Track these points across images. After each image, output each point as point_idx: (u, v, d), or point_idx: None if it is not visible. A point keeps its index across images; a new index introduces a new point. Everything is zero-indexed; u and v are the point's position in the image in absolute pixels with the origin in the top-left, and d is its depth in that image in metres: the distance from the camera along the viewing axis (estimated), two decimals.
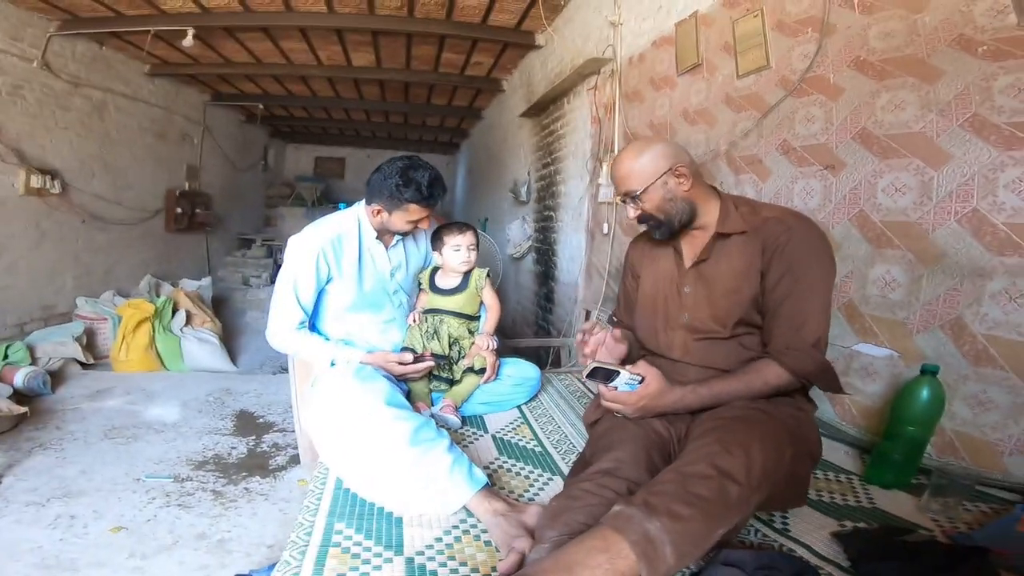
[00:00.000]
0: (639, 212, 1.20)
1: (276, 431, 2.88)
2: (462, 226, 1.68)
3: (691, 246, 1.25)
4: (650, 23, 2.51)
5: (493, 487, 1.15)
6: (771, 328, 1.13)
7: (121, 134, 4.75)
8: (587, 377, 1.09)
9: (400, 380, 1.59)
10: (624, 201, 1.22)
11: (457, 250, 1.65)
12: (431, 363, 1.61)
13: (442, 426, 1.43)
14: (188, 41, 3.75)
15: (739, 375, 1.12)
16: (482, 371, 1.65)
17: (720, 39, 2.03)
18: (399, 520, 1.06)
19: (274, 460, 2.51)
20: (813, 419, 1.18)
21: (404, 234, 1.64)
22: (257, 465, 2.45)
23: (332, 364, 1.53)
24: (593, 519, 0.85)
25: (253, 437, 2.76)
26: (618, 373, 1.08)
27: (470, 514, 1.09)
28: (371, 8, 3.59)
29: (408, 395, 1.60)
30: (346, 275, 1.58)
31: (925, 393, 1.15)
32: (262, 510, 2.07)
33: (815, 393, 1.21)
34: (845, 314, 1.50)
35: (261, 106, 6.36)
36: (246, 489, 2.22)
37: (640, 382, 1.08)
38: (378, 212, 1.54)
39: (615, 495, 0.91)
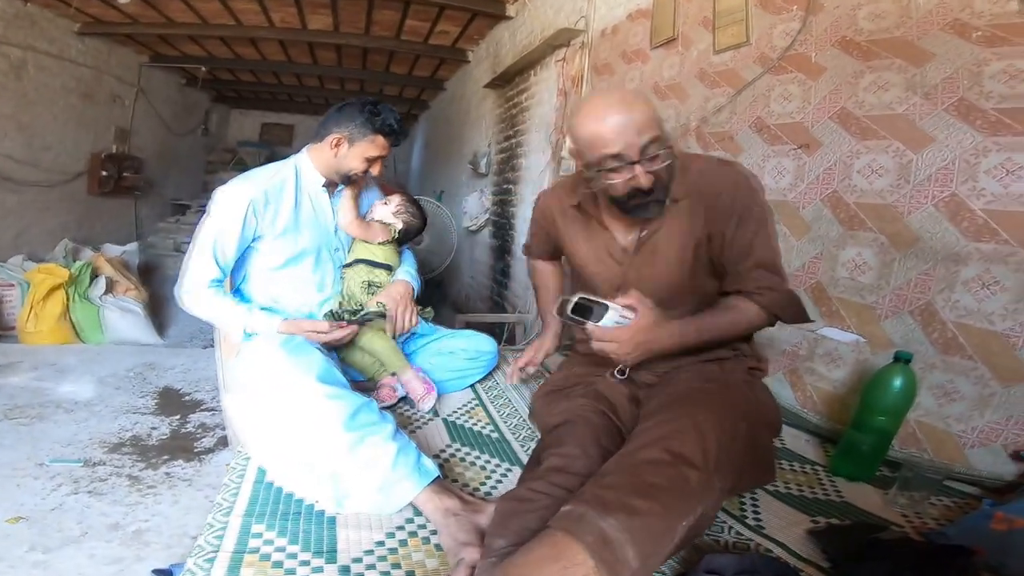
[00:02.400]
0: (656, 173, 0.96)
1: (204, 410, 2.66)
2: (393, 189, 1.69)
3: (625, 221, 1.11)
4: None
5: (445, 480, 1.02)
6: (739, 272, 1.06)
7: (40, 94, 4.34)
8: (569, 316, 0.93)
9: (330, 349, 1.41)
10: (639, 162, 0.95)
11: (386, 204, 1.61)
12: (354, 329, 1.43)
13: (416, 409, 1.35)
14: None
15: (724, 314, 1.06)
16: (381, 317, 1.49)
17: (699, 13, 1.96)
18: (331, 520, 0.91)
19: (200, 442, 2.32)
20: (765, 384, 1.14)
21: (349, 181, 1.47)
22: (181, 448, 2.25)
23: (246, 334, 1.36)
24: (545, 524, 0.75)
25: (178, 417, 2.55)
26: (606, 308, 0.92)
27: (418, 512, 0.95)
28: None
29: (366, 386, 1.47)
30: (280, 229, 1.42)
31: (898, 382, 1.12)
32: (185, 497, 1.89)
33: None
34: (812, 296, 1.48)
35: (204, 69, 5.87)
36: (167, 474, 2.03)
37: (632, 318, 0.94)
38: (337, 143, 1.41)
39: (568, 494, 0.81)
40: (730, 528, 0.99)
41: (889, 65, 1.32)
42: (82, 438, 2.24)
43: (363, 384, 1.51)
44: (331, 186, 1.50)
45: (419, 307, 1.58)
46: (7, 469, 1.95)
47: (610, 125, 0.94)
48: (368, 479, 0.94)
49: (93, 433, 2.30)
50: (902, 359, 1.13)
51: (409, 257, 1.69)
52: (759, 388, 1.09)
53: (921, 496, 1.06)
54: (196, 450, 2.25)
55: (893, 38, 1.32)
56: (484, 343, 1.65)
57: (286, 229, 1.42)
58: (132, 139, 5.68)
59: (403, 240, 1.63)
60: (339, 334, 1.38)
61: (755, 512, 1.04)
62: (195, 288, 1.38)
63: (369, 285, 1.53)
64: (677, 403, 0.91)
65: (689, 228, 1.05)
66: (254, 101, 8.16)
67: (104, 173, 5.16)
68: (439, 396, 1.48)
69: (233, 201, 1.37)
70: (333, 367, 1.14)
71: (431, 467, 0.99)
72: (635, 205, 1.02)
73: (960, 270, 1.18)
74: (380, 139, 1.40)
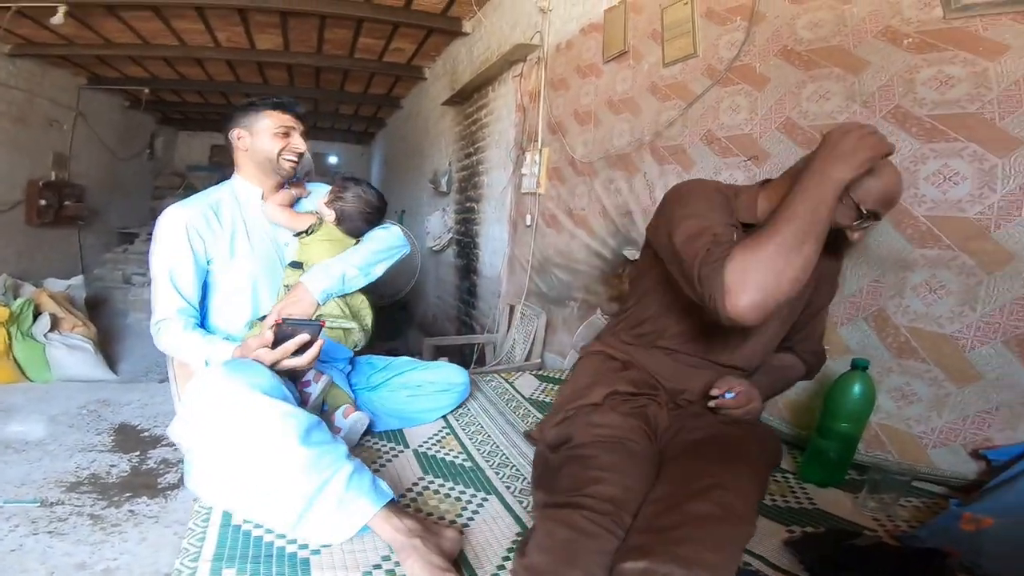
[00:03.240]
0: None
1: (165, 445, 2.56)
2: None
3: None
4: (579, 9, 2.44)
5: (400, 503, 0.97)
6: (802, 334, 1.24)
7: None
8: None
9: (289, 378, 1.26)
10: (867, 221, 1.01)
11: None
12: (305, 336, 1.15)
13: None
14: (58, 19, 3.27)
15: (785, 371, 1.24)
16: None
17: (648, 26, 1.98)
18: (304, 562, 0.86)
19: (164, 478, 2.25)
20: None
21: (283, 172, 1.42)
22: (144, 484, 2.18)
23: (207, 364, 1.27)
24: (606, 568, 0.77)
25: (137, 453, 2.47)
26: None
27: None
28: None
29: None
30: (228, 253, 1.37)
31: (857, 388, 1.13)
32: (153, 534, 1.84)
33: None
34: None
35: (147, 90, 5.67)
36: (131, 512, 1.97)
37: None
38: (239, 136, 1.41)
39: (622, 532, 0.82)
40: None
41: (829, 74, 1.35)
42: (36, 478, 2.17)
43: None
44: (276, 189, 1.46)
45: (334, 326, 1.40)
46: None
47: (895, 189, 1.01)
48: (324, 498, 0.90)
49: (48, 472, 2.22)
50: (859, 366, 1.14)
51: (365, 246, 1.48)
52: (762, 425, 1.18)
53: (891, 498, 1.07)
54: (160, 486, 2.18)
55: (831, 47, 1.35)
56: (454, 375, 1.57)
57: (233, 252, 1.38)
58: (72, 165, 5.43)
59: (354, 233, 1.49)
60: (292, 345, 1.16)
61: None
62: (160, 322, 1.32)
63: (287, 289, 1.41)
64: (711, 450, 0.96)
65: (808, 288, 1.09)
66: (202, 123, 7.93)
67: (43, 202, 4.93)
68: (407, 428, 1.46)
69: (172, 226, 1.33)
70: (280, 383, 1.04)
71: (387, 489, 0.95)
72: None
73: (908, 276, 1.20)
74: (272, 112, 1.39)
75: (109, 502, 2.02)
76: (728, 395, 1.07)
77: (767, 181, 1.13)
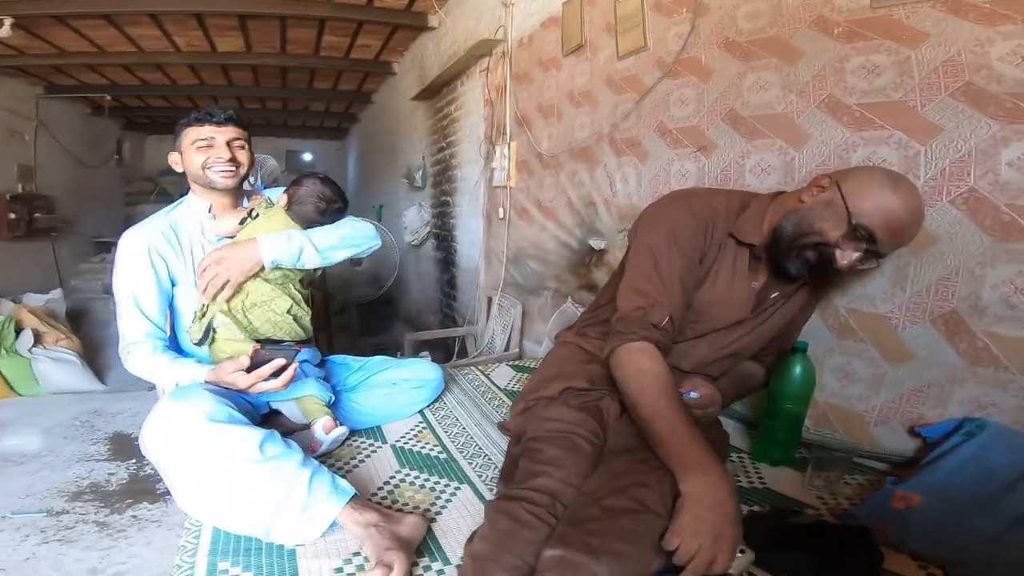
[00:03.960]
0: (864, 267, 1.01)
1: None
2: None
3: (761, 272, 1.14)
4: (539, 3, 2.44)
5: (361, 497, 1.03)
6: (776, 347, 1.25)
7: None
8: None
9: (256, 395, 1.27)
10: (864, 245, 0.96)
11: None
12: (281, 361, 1.18)
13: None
14: (5, 31, 3.17)
15: (747, 381, 1.27)
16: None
17: (603, 19, 2.00)
18: (291, 552, 0.94)
19: (162, 483, 2.22)
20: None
21: (216, 183, 1.38)
22: (143, 491, 2.23)
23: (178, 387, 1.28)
24: (537, 556, 0.82)
25: (133, 461, 2.50)
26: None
27: None
28: None
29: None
30: (187, 274, 1.37)
31: (798, 370, 1.18)
32: (158, 538, 1.91)
33: None
34: None
35: (108, 97, 5.54)
36: (134, 517, 2.03)
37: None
38: (177, 161, 1.41)
39: (556, 522, 0.87)
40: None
41: (767, 64, 1.38)
42: (39, 489, 2.21)
43: (298, 427, 1.43)
44: (232, 204, 1.45)
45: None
46: None
47: (910, 221, 0.95)
48: (289, 506, 0.96)
49: (49, 483, 2.26)
50: (799, 348, 1.19)
51: (335, 229, 1.42)
52: (716, 424, 1.20)
53: (835, 476, 1.11)
54: (159, 491, 2.22)
55: (768, 37, 1.38)
56: (428, 371, 1.62)
57: (195, 272, 1.36)
58: (38, 176, 5.30)
59: (305, 220, 1.41)
60: (267, 369, 1.19)
61: None
62: (129, 346, 1.31)
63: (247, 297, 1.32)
64: (639, 449, 0.98)
65: (793, 311, 1.19)
66: (169, 126, 7.41)
67: (12, 216, 4.83)
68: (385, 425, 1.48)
69: (132, 249, 1.32)
70: (224, 404, 1.06)
71: (347, 487, 1.01)
72: (800, 265, 1.03)
73: None
74: (191, 127, 1.36)
75: (112, 509, 2.08)
76: (692, 394, 1.10)
77: (779, 193, 1.11)
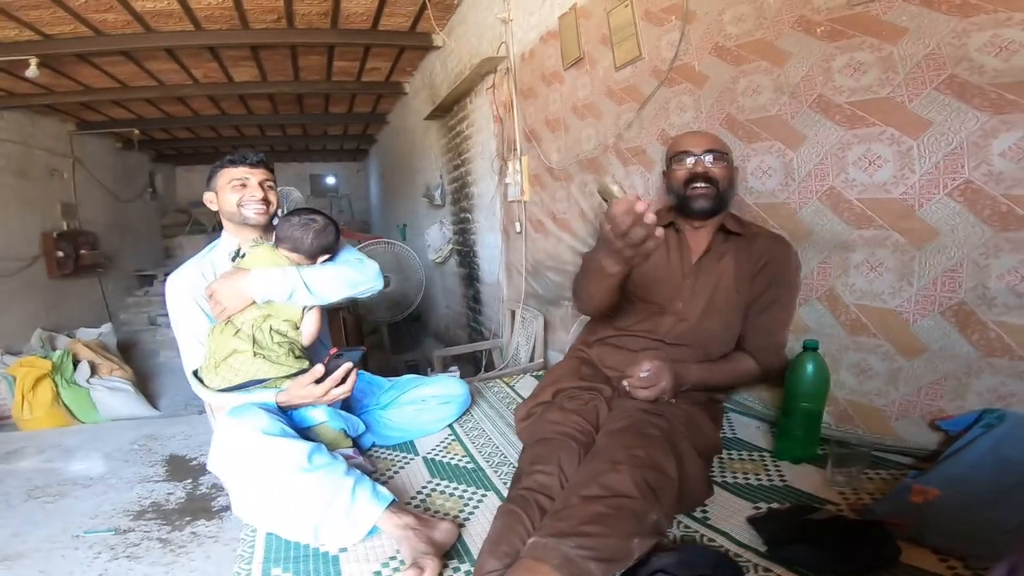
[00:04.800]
0: (710, 171, 1.28)
1: (212, 473, 2.75)
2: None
3: (696, 240, 1.37)
4: (536, 18, 2.49)
5: (399, 503, 1.13)
6: (749, 328, 1.35)
7: None
8: None
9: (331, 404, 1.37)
10: (699, 157, 1.29)
11: None
12: (349, 364, 1.31)
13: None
14: (32, 71, 3.38)
15: (728, 363, 1.34)
16: None
17: (598, 31, 2.03)
18: (335, 559, 1.03)
19: (216, 501, 2.44)
20: (719, 409, 1.34)
21: (249, 220, 1.45)
22: (200, 508, 2.38)
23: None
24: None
25: (189, 481, 2.68)
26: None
27: None
28: (244, 23, 3.35)
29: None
30: None
31: (810, 368, 1.19)
32: (216, 552, 2.03)
33: None
34: None
35: (137, 131, 5.84)
36: (193, 534, 2.17)
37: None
38: (211, 201, 1.52)
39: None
40: (678, 522, 1.06)
41: (757, 68, 1.39)
42: (106, 509, 2.39)
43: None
44: (261, 238, 1.49)
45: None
46: (47, 543, 2.11)
47: (694, 135, 1.36)
48: (335, 510, 1.05)
49: (115, 504, 2.44)
50: (809, 347, 1.20)
51: (334, 268, 1.44)
52: (699, 414, 1.23)
53: (855, 471, 1.11)
54: (214, 509, 2.37)
55: (755, 40, 1.40)
56: (454, 387, 1.69)
57: None
58: (80, 213, 5.58)
59: (298, 247, 1.40)
60: (339, 374, 1.31)
61: (702, 505, 1.10)
62: (192, 377, 1.42)
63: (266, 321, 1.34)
64: (615, 438, 1.06)
65: (743, 268, 1.31)
66: (197, 156, 8.05)
67: (60, 253, 5.11)
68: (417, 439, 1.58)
69: (176, 293, 1.43)
70: (277, 420, 1.19)
71: (386, 493, 1.11)
72: (691, 195, 1.31)
73: (850, 256, 1.25)
74: (226, 168, 1.48)
75: (172, 527, 2.22)
76: (644, 374, 1.17)
77: None
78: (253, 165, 1.48)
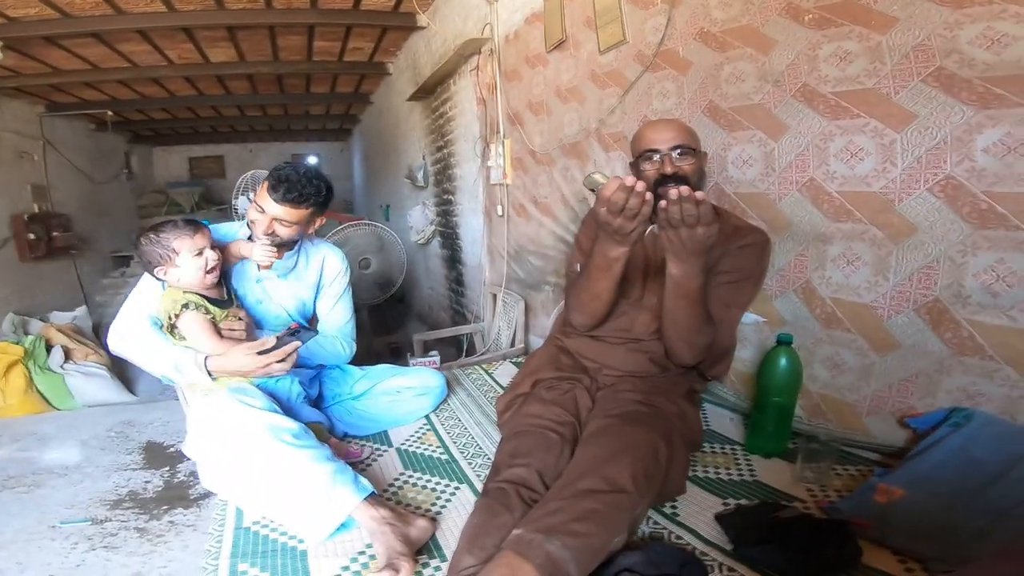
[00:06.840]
0: (681, 169, 1.19)
1: (190, 459, 2.73)
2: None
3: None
4: None
5: (378, 496, 1.11)
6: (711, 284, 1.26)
7: None
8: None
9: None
10: (667, 154, 1.19)
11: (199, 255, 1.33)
12: (297, 344, 1.28)
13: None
14: None
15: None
16: None
17: (583, 13, 1.98)
18: (303, 553, 1.02)
19: (194, 489, 2.41)
20: (700, 401, 1.32)
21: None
22: (177, 497, 2.36)
23: (211, 376, 1.31)
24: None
25: (167, 468, 2.63)
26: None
27: None
28: (219, 3, 3.22)
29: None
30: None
31: (783, 362, 1.19)
32: (194, 541, 2.00)
33: None
34: None
35: (110, 112, 5.62)
36: (171, 523, 2.15)
37: None
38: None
39: (525, 507, 0.94)
40: (649, 519, 1.05)
41: (742, 55, 1.36)
42: (82, 499, 2.35)
43: None
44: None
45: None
46: (23, 535, 2.07)
47: (662, 126, 1.25)
48: (317, 490, 1.05)
49: (91, 493, 2.40)
50: (784, 341, 1.19)
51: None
52: (689, 408, 1.22)
53: (824, 467, 1.11)
54: (192, 497, 2.34)
55: (741, 27, 1.36)
56: (430, 378, 1.67)
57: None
58: (52, 195, 5.42)
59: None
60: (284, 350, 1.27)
61: (672, 501, 1.10)
62: (127, 325, 1.43)
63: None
64: (614, 427, 1.04)
65: (715, 256, 1.21)
66: (175, 137, 7.85)
67: (32, 236, 4.96)
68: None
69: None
70: (271, 403, 1.21)
71: (367, 484, 1.09)
72: (664, 195, 1.13)
73: (827, 249, 1.24)
74: (266, 184, 1.38)
75: (150, 516, 2.20)
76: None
77: None
78: (295, 202, 1.38)
